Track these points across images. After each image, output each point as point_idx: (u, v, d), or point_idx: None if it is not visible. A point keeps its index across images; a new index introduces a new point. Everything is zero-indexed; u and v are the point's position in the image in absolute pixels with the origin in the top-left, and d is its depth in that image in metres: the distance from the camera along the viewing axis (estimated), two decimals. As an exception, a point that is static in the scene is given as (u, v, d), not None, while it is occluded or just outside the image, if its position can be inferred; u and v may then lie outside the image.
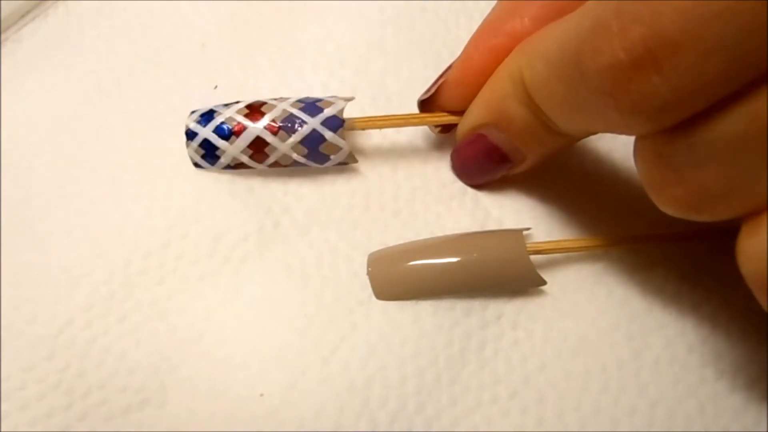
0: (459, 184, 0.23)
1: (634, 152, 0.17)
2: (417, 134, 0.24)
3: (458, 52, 0.22)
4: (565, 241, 0.22)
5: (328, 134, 0.21)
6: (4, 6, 0.26)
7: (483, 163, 0.22)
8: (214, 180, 0.23)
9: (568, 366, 0.21)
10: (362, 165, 0.23)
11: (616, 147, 0.24)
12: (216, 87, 0.25)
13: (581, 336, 0.21)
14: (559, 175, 0.23)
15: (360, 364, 0.20)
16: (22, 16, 0.26)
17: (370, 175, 0.23)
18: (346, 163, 0.22)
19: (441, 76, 0.22)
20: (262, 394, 0.20)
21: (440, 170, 0.24)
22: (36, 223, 0.22)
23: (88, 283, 0.21)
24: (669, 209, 0.16)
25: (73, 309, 0.21)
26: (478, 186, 0.23)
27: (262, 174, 0.23)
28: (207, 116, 0.22)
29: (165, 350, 0.20)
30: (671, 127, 0.15)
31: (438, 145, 0.24)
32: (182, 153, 0.23)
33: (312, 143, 0.21)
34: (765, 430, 0.20)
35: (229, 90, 0.24)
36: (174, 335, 0.21)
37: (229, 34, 0.26)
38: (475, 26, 0.21)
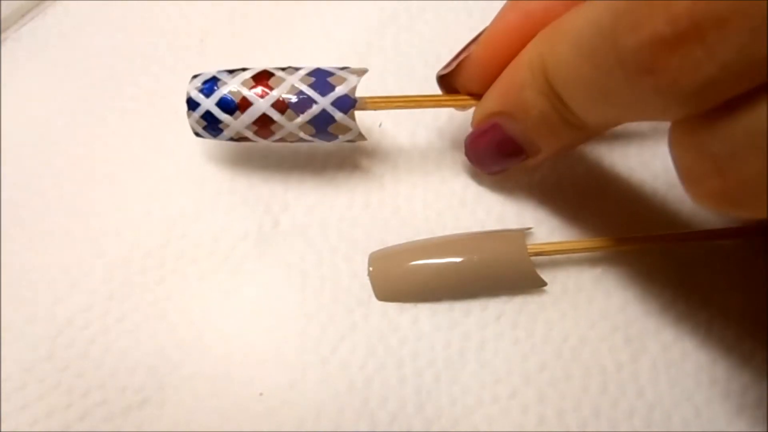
0: (460, 183, 0.23)
1: (669, 141, 0.16)
2: (418, 132, 0.24)
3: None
4: (566, 242, 0.22)
5: (339, 115, 0.20)
6: (4, 6, 0.26)
7: (496, 153, 0.21)
8: (213, 179, 0.23)
9: (568, 366, 0.21)
10: (362, 163, 0.23)
11: (617, 148, 0.24)
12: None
13: (581, 337, 0.21)
14: (561, 176, 0.23)
15: (359, 364, 0.20)
16: (22, 16, 0.26)
17: (369, 173, 0.23)
18: (354, 141, 0.21)
19: (464, 50, 0.20)
20: (261, 394, 0.20)
21: (441, 168, 0.24)
22: (36, 223, 0.22)
23: (88, 283, 0.21)
24: (707, 203, 0.15)
25: (73, 309, 0.21)
26: (492, 174, 0.23)
27: (261, 172, 0.23)
28: (210, 84, 0.20)
29: (165, 350, 0.20)
30: (711, 112, 0.14)
31: (439, 143, 0.24)
32: (182, 152, 0.23)
33: (321, 123, 0.20)
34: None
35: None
36: (174, 335, 0.21)
37: (228, 31, 0.26)
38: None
